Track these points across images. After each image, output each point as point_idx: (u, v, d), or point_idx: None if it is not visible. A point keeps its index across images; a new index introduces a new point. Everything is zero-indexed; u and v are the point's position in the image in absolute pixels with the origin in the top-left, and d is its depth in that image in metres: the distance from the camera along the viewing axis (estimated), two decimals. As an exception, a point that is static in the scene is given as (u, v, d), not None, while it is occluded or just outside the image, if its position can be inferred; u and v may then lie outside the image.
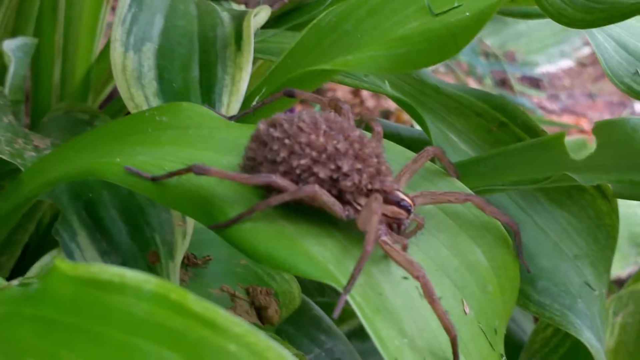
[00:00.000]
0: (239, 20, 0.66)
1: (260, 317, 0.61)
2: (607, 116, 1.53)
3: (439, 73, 1.55)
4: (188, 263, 0.63)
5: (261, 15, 0.66)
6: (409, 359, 0.45)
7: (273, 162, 0.48)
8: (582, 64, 1.72)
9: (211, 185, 0.48)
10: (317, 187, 0.47)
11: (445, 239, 0.52)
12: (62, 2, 0.84)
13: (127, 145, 0.53)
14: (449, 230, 0.52)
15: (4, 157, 0.61)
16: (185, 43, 0.64)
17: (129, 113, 0.60)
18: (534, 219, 0.69)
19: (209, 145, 0.52)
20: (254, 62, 0.76)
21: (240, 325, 0.34)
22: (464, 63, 1.65)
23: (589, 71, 1.74)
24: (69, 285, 0.37)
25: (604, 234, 0.71)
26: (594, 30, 0.65)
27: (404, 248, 0.49)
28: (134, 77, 0.61)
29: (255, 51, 0.64)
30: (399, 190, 0.49)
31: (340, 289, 0.44)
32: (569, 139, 0.62)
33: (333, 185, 0.48)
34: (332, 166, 0.48)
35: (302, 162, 0.48)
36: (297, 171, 0.48)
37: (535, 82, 1.70)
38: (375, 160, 0.49)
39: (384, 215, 0.49)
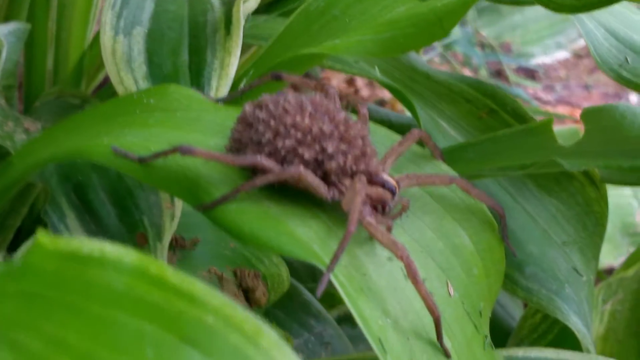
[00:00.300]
0: (229, 5, 0.66)
1: (248, 299, 0.62)
2: (602, 107, 1.52)
3: (434, 64, 1.56)
4: (176, 245, 0.63)
5: (251, 1, 0.66)
6: (393, 340, 0.46)
7: (258, 143, 0.48)
8: (578, 56, 1.72)
9: (197, 166, 0.49)
10: (301, 168, 0.47)
11: (431, 221, 0.52)
12: (55, -12, 0.85)
13: (115, 127, 0.53)
14: (435, 212, 0.53)
15: (-7, 139, 0.61)
16: (176, 27, 0.64)
17: (119, 97, 0.61)
18: (523, 206, 0.70)
19: (196, 127, 0.52)
20: (247, 49, 0.76)
21: (217, 297, 0.34)
22: (459, 54, 1.65)
23: (585, 62, 1.74)
24: (50, 260, 0.38)
25: (592, 221, 0.71)
26: (584, 17, 0.65)
27: (389, 229, 0.49)
28: (124, 60, 0.61)
29: (246, 37, 0.65)
30: (383, 172, 0.50)
31: (323, 269, 0.45)
32: (562, 128, 0.63)
33: (318, 166, 0.48)
34: (317, 147, 0.48)
35: (287, 143, 0.48)
36: (282, 152, 0.48)
37: (530, 73, 1.70)
38: (360, 142, 0.49)
39: (369, 196, 0.49)
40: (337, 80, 1.44)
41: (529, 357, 0.61)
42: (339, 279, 0.45)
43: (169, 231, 0.61)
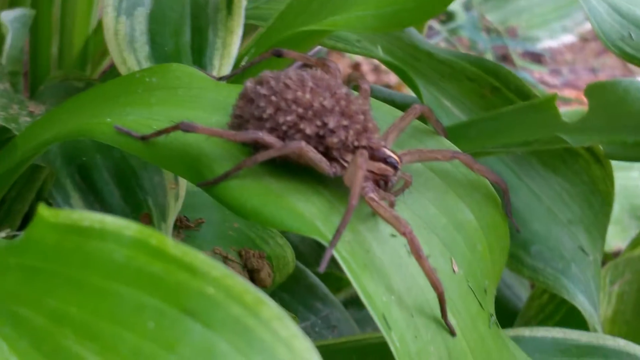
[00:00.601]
0: (230, -15, 0.66)
1: (253, 280, 0.62)
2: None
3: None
4: (180, 225, 0.63)
5: (253, -19, 0.66)
6: (397, 316, 0.45)
7: (260, 119, 0.48)
8: (584, 39, 1.71)
9: (199, 143, 0.49)
10: (303, 143, 0.47)
11: (433, 197, 0.52)
12: (59, -26, 0.85)
13: (118, 106, 0.53)
14: (437, 188, 0.52)
15: (-3, 121, 0.61)
16: (177, 8, 0.64)
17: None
18: (527, 184, 0.69)
19: (198, 104, 0.52)
20: (250, 31, 0.76)
21: (218, 268, 0.34)
22: (465, 38, 1.64)
23: (592, 46, 1.73)
24: (51, 233, 0.38)
25: (598, 200, 0.71)
26: (588, -5, 0.65)
27: (391, 205, 0.49)
28: (126, 41, 0.61)
29: (248, 17, 0.65)
30: (385, 147, 0.50)
31: (326, 244, 0.45)
32: (568, 110, 0.62)
33: (319, 141, 0.48)
34: (319, 122, 0.48)
35: (289, 118, 0.48)
36: (284, 127, 0.48)
37: (537, 58, 1.70)
38: (361, 117, 0.49)
39: (371, 172, 0.49)
40: (342, 65, 1.43)
41: (536, 337, 0.61)
42: (342, 255, 0.45)
43: (173, 211, 0.61)
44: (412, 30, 0.74)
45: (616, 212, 0.75)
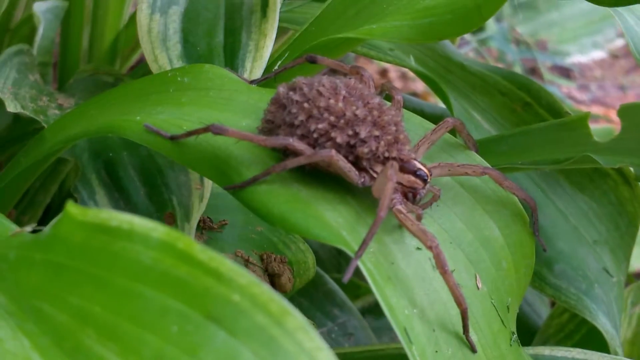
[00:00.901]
0: (265, -13, 0.66)
1: (274, 284, 0.61)
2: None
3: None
4: (204, 226, 0.63)
5: (288, -16, 0.66)
6: (418, 330, 0.45)
7: (291, 125, 0.48)
8: (614, 56, 1.70)
9: (228, 146, 0.48)
10: (333, 151, 0.46)
11: (461, 212, 0.52)
12: (93, -33, 0.85)
13: (148, 104, 0.53)
14: (465, 203, 0.52)
15: (27, 112, 0.61)
16: (212, 8, 0.64)
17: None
18: (554, 202, 0.69)
19: (228, 107, 0.52)
20: (282, 34, 0.76)
21: (244, 276, 0.34)
22: (494, 49, 1.64)
23: (622, 63, 1.72)
24: (78, 231, 0.37)
25: (625, 221, 0.70)
26: (624, 13, 0.64)
27: (419, 218, 0.48)
28: (159, 39, 0.61)
29: (281, 20, 0.64)
30: (415, 159, 0.49)
31: (351, 254, 0.44)
32: (596, 127, 0.62)
33: (350, 151, 0.48)
34: (350, 132, 0.48)
35: (320, 126, 0.47)
36: (315, 135, 0.47)
37: (565, 72, 1.69)
38: (393, 128, 0.49)
39: (400, 184, 0.49)
40: (370, 71, 1.43)
41: (556, 357, 0.60)
42: (367, 266, 0.45)
43: (197, 212, 0.61)
44: (446, 42, 0.74)
45: (641, 233, 0.74)
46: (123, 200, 0.62)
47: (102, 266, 0.36)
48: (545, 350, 0.60)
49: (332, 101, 0.48)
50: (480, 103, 0.71)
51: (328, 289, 0.76)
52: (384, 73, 1.48)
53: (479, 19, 0.51)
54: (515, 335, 0.51)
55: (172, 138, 0.49)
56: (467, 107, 0.69)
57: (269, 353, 0.33)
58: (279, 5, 0.62)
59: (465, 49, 1.58)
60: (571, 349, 0.60)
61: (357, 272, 0.45)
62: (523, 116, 0.70)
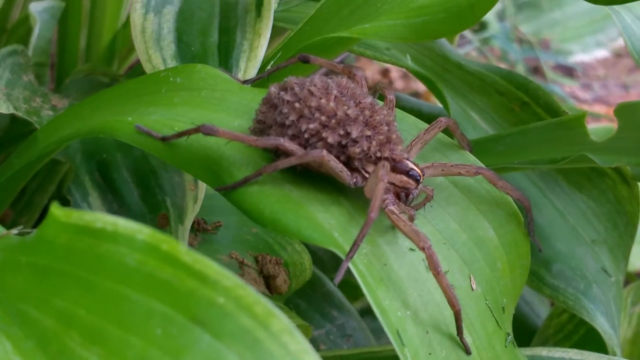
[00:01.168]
0: (260, -13, 0.65)
1: (269, 286, 0.61)
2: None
3: (471, 57, 1.54)
4: (198, 228, 0.63)
5: (283, -17, 0.65)
6: (411, 332, 0.45)
7: (282, 125, 0.48)
8: (617, 55, 1.70)
9: (219, 146, 0.48)
10: (324, 152, 0.46)
11: (455, 212, 0.51)
12: (90, -33, 0.84)
13: (140, 105, 0.52)
14: (459, 204, 0.52)
15: (19, 113, 0.61)
16: (206, 7, 0.63)
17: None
18: (552, 202, 0.68)
19: (221, 107, 0.52)
20: (278, 34, 0.75)
21: (229, 278, 0.34)
22: (496, 49, 1.63)
23: (624, 62, 1.72)
24: (63, 233, 0.37)
25: (623, 220, 0.69)
26: (622, 11, 0.64)
27: (411, 219, 0.48)
28: (153, 39, 0.61)
29: (276, 20, 0.64)
30: (408, 159, 0.49)
31: (343, 256, 0.44)
32: (598, 126, 0.61)
33: (341, 151, 0.47)
34: (341, 132, 0.47)
35: (311, 126, 0.47)
36: (306, 135, 0.47)
37: (568, 71, 1.68)
38: (385, 128, 0.48)
39: (392, 184, 0.48)
40: (371, 72, 1.43)
41: (553, 357, 0.60)
42: (358, 268, 0.44)
43: (191, 213, 0.60)
44: (443, 41, 0.74)
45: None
46: (117, 201, 0.62)
47: (87, 269, 0.36)
48: (543, 351, 0.60)
49: (323, 101, 0.47)
50: (477, 102, 0.70)
51: (326, 290, 0.76)
52: (385, 73, 1.48)
53: (472, 17, 0.51)
54: (510, 336, 0.51)
55: (164, 139, 0.49)
56: (465, 106, 0.69)
57: (254, 356, 0.33)
58: (273, 5, 0.62)
59: (467, 48, 1.58)
60: (568, 349, 0.60)
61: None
62: (521, 115, 0.70)
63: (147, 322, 0.34)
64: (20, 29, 0.83)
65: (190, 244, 0.61)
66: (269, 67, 0.56)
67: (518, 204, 0.53)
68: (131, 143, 0.50)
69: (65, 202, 0.74)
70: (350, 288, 0.80)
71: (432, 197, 0.50)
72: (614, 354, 0.65)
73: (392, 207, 0.47)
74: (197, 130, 0.47)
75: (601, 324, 0.65)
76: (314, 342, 0.72)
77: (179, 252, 0.35)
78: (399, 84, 1.45)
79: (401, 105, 0.53)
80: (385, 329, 0.44)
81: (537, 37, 1.64)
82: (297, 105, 0.47)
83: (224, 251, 0.61)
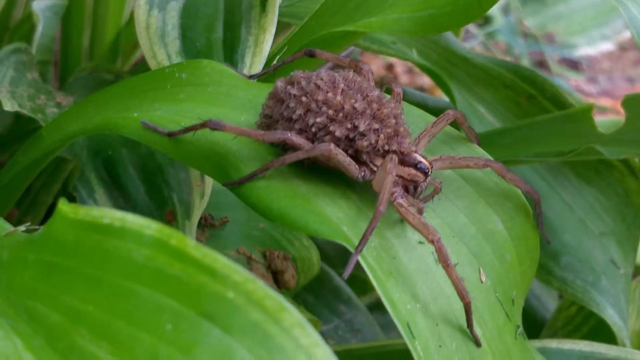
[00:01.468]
0: (265, -18, 0.65)
1: (277, 281, 0.61)
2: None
3: (475, 51, 1.53)
4: (205, 224, 0.63)
5: (288, -22, 0.65)
6: (421, 325, 0.45)
7: (289, 119, 0.47)
8: (623, 48, 1.69)
9: (226, 142, 0.48)
10: (332, 145, 0.46)
11: (464, 205, 0.51)
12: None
13: (146, 101, 0.52)
14: (468, 196, 0.51)
15: (24, 111, 0.61)
16: (210, 3, 0.63)
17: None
18: (560, 194, 0.68)
19: (227, 102, 0.51)
20: (283, 29, 0.75)
21: (239, 272, 0.34)
22: (501, 43, 1.63)
23: (630, 55, 1.71)
24: (70, 229, 0.37)
25: (631, 212, 0.69)
26: (628, 3, 0.63)
27: (420, 211, 0.48)
28: (157, 35, 0.60)
29: (281, 15, 0.64)
30: (416, 152, 0.49)
31: (352, 250, 0.44)
32: (604, 119, 0.61)
33: (349, 144, 0.47)
34: (349, 125, 0.47)
35: (318, 120, 0.47)
36: (313, 129, 0.47)
37: (573, 65, 1.68)
38: (393, 121, 0.48)
39: (400, 177, 0.48)
40: (376, 66, 1.42)
41: (563, 349, 0.59)
42: (368, 261, 0.44)
43: (198, 209, 0.60)
44: (449, 34, 0.73)
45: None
46: (123, 198, 0.62)
47: (95, 265, 0.36)
48: (552, 343, 0.60)
49: (330, 94, 0.47)
50: (484, 96, 0.70)
51: (334, 285, 0.76)
52: (390, 68, 1.47)
53: (479, 10, 0.50)
54: (520, 329, 0.51)
55: (170, 135, 0.48)
56: (471, 100, 0.69)
57: (264, 350, 0.33)
58: (278, 0, 0.62)
59: (472, 42, 1.57)
60: (578, 341, 0.60)
61: (361, 267, 0.45)
62: (527, 108, 0.70)
63: (157, 318, 0.34)
64: (23, 27, 0.83)
65: (198, 240, 0.61)
66: (274, 62, 0.55)
67: (527, 197, 0.52)
68: (137, 139, 0.50)
69: (71, 200, 0.74)
70: (359, 283, 0.79)
71: (441, 189, 0.50)
72: (624, 346, 0.65)
73: (400, 200, 0.47)
74: (204, 125, 0.47)
75: (610, 315, 0.65)
76: (322, 337, 0.72)
77: (188, 247, 0.34)
78: (403, 79, 1.44)
79: (406, 99, 0.53)
80: (396, 322, 0.44)
81: (542, 30, 1.63)
82: (304, 99, 0.47)
83: (231, 247, 0.61)
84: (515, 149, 0.62)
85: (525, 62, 1.59)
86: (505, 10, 1.64)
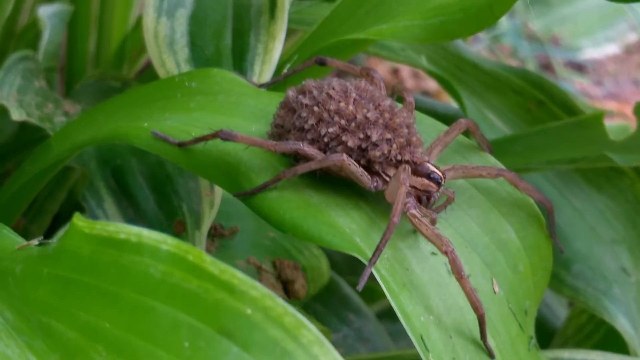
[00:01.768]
0: (273, -11, 0.65)
1: (287, 291, 0.60)
2: (652, 104, 1.49)
3: (480, 55, 1.53)
4: (215, 233, 0.62)
5: (296, -15, 0.65)
6: (435, 337, 0.44)
7: (301, 129, 0.47)
8: (628, 51, 1.69)
9: (237, 152, 0.48)
10: (345, 156, 0.46)
11: (476, 215, 0.51)
12: (99, -29, 0.84)
13: (156, 110, 0.52)
14: (481, 206, 0.51)
15: (32, 120, 0.60)
16: (219, 10, 0.63)
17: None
18: (570, 202, 0.68)
19: (237, 112, 0.51)
20: (291, 35, 0.75)
21: (257, 288, 0.33)
22: (507, 46, 1.62)
23: (635, 58, 1.71)
24: (86, 244, 0.37)
25: (642, 219, 0.69)
26: (638, 8, 0.63)
27: (433, 222, 0.47)
28: (166, 43, 0.60)
29: (290, 22, 0.63)
30: (429, 162, 0.48)
31: (365, 261, 0.43)
32: (610, 124, 0.61)
33: (361, 154, 0.47)
34: (361, 135, 0.47)
35: (331, 130, 0.47)
36: (325, 139, 0.47)
37: (579, 67, 1.68)
38: (405, 130, 0.48)
39: (413, 187, 0.48)
40: (381, 70, 1.42)
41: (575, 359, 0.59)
42: (381, 273, 0.44)
43: (208, 219, 0.60)
44: (457, 40, 0.73)
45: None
46: (132, 208, 0.62)
47: (111, 280, 0.35)
48: (564, 354, 0.59)
49: (342, 104, 0.47)
50: (493, 102, 0.70)
51: (343, 293, 0.75)
52: (395, 72, 1.47)
53: (491, 17, 0.50)
54: (533, 340, 0.50)
55: (180, 145, 0.48)
56: (481, 106, 0.68)
57: (283, 368, 0.32)
58: (287, 7, 0.61)
59: (477, 46, 1.57)
60: (590, 351, 0.60)
61: (372, 277, 0.45)
62: (537, 115, 0.69)
63: (174, 335, 0.34)
64: (28, 34, 0.82)
65: (208, 250, 0.60)
66: (285, 70, 0.55)
67: (539, 206, 0.52)
68: (147, 149, 0.49)
69: (76, 209, 0.74)
70: (367, 291, 0.79)
71: (453, 199, 0.49)
72: (636, 355, 0.65)
73: (413, 211, 0.46)
74: (215, 135, 0.47)
75: (622, 324, 0.65)
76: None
77: (205, 263, 0.34)
78: (409, 83, 1.44)
79: (415, 107, 0.53)
80: (410, 334, 0.43)
81: (547, 33, 1.63)
82: (315, 109, 0.47)
83: (241, 256, 0.61)
84: (526, 157, 0.61)
85: (531, 65, 1.59)
86: (510, 13, 1.64)
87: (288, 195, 0.46)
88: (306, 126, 0.47)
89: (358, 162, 0.47)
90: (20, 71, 0.69)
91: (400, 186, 0.45)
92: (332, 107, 0.47)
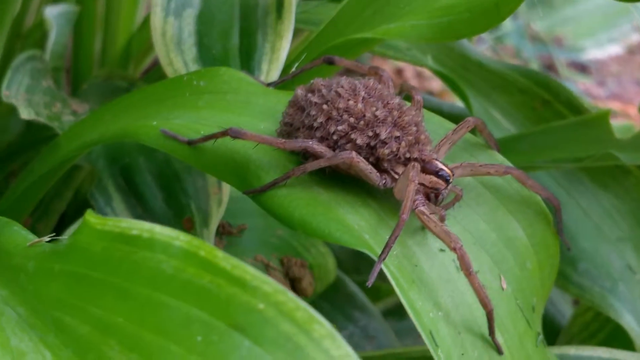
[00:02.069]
0: (280, -12, 0.65)
1: (295, 288, 0.61)
2: (655, 104, 1.50)
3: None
4: (223, 231, 0.62)
5: (303, -16, 0.65)
6: (444, 333, 0.44)
7: (310, 127, 0.47)
8: (631, 51, 1.69)
9: (247, 150, 0.48)
10: (354, 153, 0.46)
11: (484, 212, 0.51)
12: (105, -29, 0.84)
13: (164, 109, 0.52)
14: (488, 203, 0.51)
15: (41, 119, 0.61)
16: (226, 9, 0.63)
17: (168, 80, 0.60)
18: (576, 200, 0.68)
19: (246, 110, 0.51)
20: (297, 35, 0.75)
21: (269, 283, 0.33)
22: (510, 46, 1.63)
23: (638, 59, 1.71)
24: (98, 240, 0.37)
25: (648, 218, 0.69)
26: (641, 6, 0.63)
27: (441, 219, 0.48)
28: (174, 42, 0.60)
29: (297, 21, 0.64)
30: (437, 159, 0.48)
31: (374, 258, 0.44)
32: (615, 123, 0.61)
33: (370, 152, 0.47)
34: (370, 133, 0.47)
35: (340, 128, 0.47)
36: (334, 137, 0.47)
37: (582, 68, 1.68)
38: (414, 128, 0.48)
39: (422, 184, 0.48)
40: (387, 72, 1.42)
41: (582, 356, 0.59)
42: (390, 270, 0.44)
43: (216, 217, 0.60)
44: (463, 40, 0.73)
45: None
46: (140, 206, 0.62)
47: (124, 276, 0.36)
48: (571, 350, 0.60)
49: (351, 102, 0.47)
50: (499, 102, 0.70)
51: (348, 291, 0.76)
52: (399, 72, 1.47)
53: (498, 17, 0.50)
54: (541, 336, 0.51)
55: (190, 143, 0.48)
56: (486, 105, 0.69)
57: (295, 362, 0.33)
58: (294, 6, 0.61)
59: (481, 47, 1.57)
60: (596, 347, 0.60)
61: (378, 274, 0.45)
62: (543, 114, 0.70)
63: (187, 329, 0.34)
64: (35, 34, 0.83)
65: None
66: (293, 69, 0.55)
67: (547, 204, 0.52)
68: (156, 147, 0.50)
69: (83, 208, 0.74)
70: (372, 289, 0.79)
71: (462, 197, 0.49)
72: (642, 352, 0.65)
73: (422, 208, 0.47)
74: (224, 133, 0.47)
75: (628, 321, 0.65)
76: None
77: (217, 258, 0.34)
78: (413, 83, 1.44)
79: (424, 106, 0.53)
80: (419, 330, 0.44)
81: (550, 34, 1.63)
82: (325, 107, 0.47)
83: (249, 254, 0.61)
84: (532, 155, 0.61)
85: (534, 66, 1.59)
86: (514, 14, 1.64)
87: (297, 192, 0.46)
88: (315, 124, 0.47)
89: (367, 159, 0.47)
90: (28, 71, 0.69)
91: (410, 183, 0.45)
92: (341, 105, 0.47)
